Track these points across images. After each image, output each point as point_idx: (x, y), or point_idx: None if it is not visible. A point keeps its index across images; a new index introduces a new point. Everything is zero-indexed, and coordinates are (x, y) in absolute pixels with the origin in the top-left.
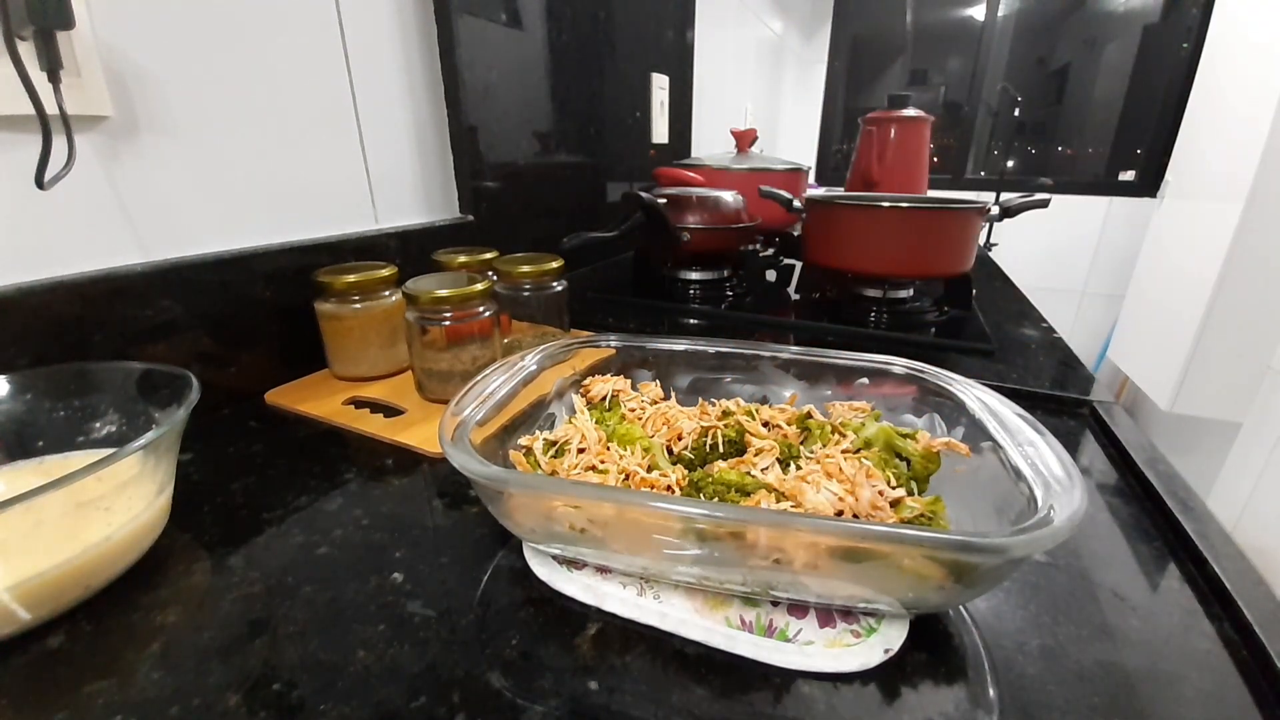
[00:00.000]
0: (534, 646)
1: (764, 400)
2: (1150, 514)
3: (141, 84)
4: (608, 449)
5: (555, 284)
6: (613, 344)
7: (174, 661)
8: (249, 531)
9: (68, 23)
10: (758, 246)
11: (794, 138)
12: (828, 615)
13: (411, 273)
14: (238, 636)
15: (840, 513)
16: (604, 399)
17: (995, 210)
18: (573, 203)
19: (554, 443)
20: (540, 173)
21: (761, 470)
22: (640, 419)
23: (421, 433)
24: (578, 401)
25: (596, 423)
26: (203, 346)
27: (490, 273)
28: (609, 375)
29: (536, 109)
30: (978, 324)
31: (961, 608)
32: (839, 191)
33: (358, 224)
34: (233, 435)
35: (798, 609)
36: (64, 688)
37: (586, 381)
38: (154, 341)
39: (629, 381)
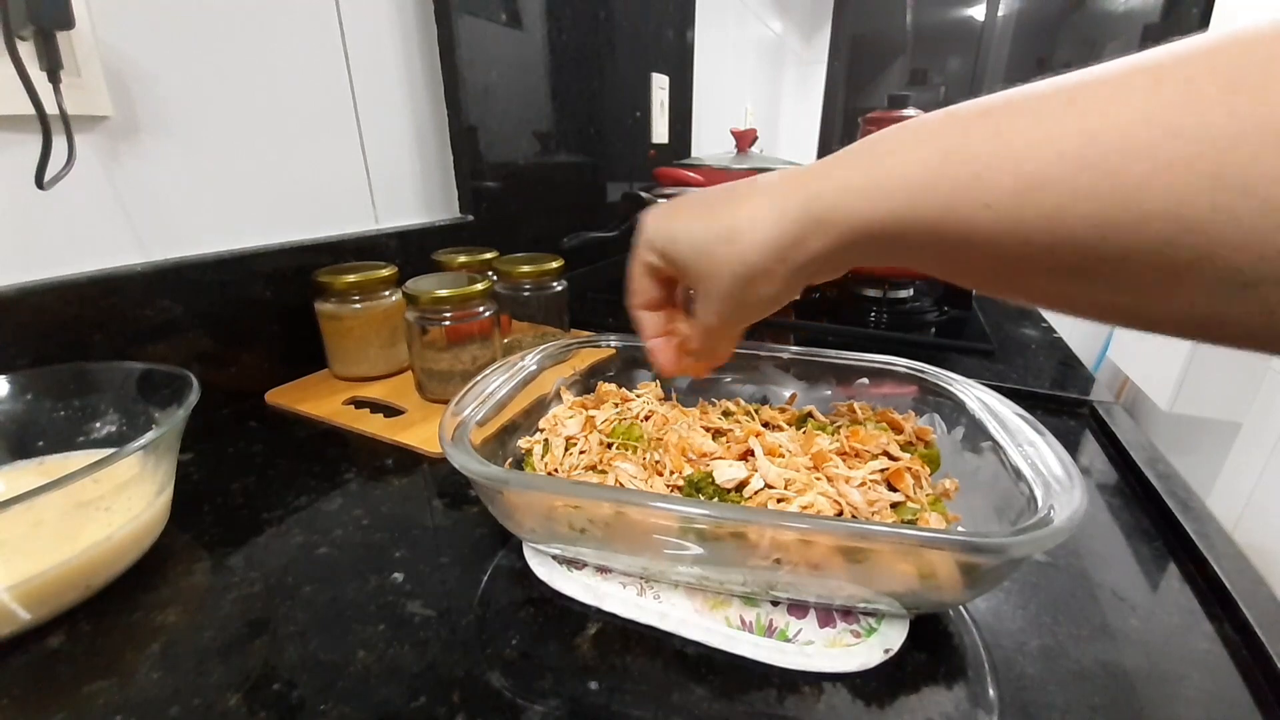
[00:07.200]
0: (534, 646)
1: (764, 400)
2: (1150, 514)
3: (141, 84)
4: (609, 448)
5: (555, 284)
6: (613, 344)
7: (174, 661)
8: (249, 531)
9: (68, 23)
10: None
11: (794, 138)
12: (828, 615)
13: (411, 273)
14: (238, 636)
15: (840, 513)
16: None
17: None
18: (573, 203)
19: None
20: (540, 173)
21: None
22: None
23: (421, 433)
24: (566, 396)
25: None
26: (203, 346)
27: (490, 273)
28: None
29: (536, 109)
30: (978, 324)
31: (961, 608)
32: None
33: (358, 224)
34: (233, 435)
35: (798, 609)
36: (64, 688)
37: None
38: (154, 341)
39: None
